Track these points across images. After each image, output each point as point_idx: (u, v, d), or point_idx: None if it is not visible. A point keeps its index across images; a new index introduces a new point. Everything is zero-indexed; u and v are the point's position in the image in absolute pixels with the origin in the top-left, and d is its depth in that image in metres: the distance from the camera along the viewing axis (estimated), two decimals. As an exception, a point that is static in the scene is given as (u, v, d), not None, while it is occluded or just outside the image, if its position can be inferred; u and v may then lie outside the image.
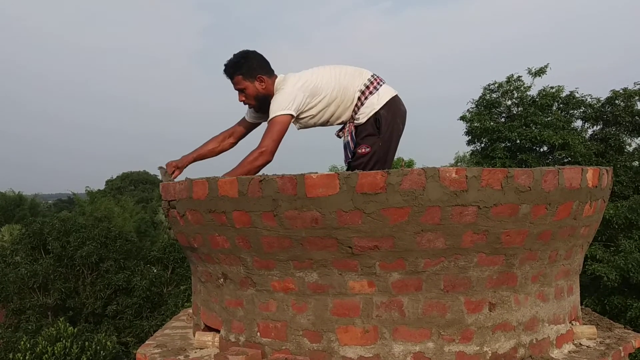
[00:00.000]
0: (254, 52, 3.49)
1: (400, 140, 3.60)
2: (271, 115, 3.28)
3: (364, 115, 3.43)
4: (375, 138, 3.42)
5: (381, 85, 3.48)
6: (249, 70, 3.40)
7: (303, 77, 3.39)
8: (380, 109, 3.42)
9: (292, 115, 3.28)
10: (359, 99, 3.44)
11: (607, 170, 2.81)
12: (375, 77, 3.51)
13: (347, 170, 3.35)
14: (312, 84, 3.36)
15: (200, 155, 3.64)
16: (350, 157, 3.51)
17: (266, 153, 3.21)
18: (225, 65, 3.46)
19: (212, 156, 3.67)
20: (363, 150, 3.41)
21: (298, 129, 3.54)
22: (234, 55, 3.47)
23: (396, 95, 3.52)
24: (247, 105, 3.55)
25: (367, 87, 3.45)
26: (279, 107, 3.26)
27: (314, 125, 3.55)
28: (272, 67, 3.51)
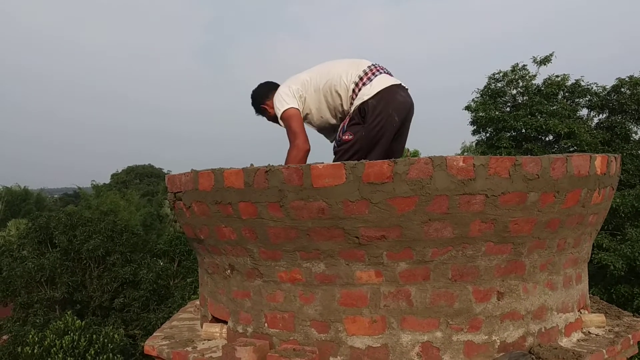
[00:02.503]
0: (255, 90, 3.84)
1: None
2: (278, 117, 3.50)
3: (354, 107, 3.42)
4: (359, 127, 3.38)
5: (376, 76, 3.42)
6: (258, 108, 3.82)
7: (292, 77, 3.59)
8: (369, 98, 3.36)
9: (292, 107, 3.43)
10: (354, 90, 3.42)
11: (615, 158, 2.79)
12: (373, 67, 3.47)
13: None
14: (301, 80, 3.52)
15: None
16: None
17: (298, 146, 3.36)
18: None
19: None
20: (346, 137, 3.41)
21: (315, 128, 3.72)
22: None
23: (394, 85, 3.42)
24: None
25: (361, 78, 3.41)
26: (278, 108, 3.49)
27: (320, 124, 3.64)
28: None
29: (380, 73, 3.46)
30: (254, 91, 3.85)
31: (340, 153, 3.38)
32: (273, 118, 3.69)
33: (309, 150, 3.38)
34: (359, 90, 3.40)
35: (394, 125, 3.42)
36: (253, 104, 3.85)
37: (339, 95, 3.46)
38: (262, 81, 3.85)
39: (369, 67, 3.46)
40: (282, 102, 3.45)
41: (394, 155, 3.51)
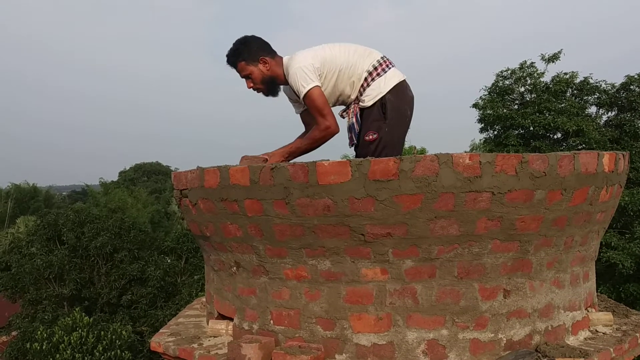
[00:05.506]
0: (253, 36, 3.45)
1: (410, 129, 3.53)
2: (302, 96, 3.26)
3: (369, 98, 3.36)
4: (381, 123, 3.34)
5: (390, 68, 3.40)
6: (250, 55, 3.36)
7: (312, 50, 3.35)
8: (387, 93, 3.33)
9: (317, 85, 3.24)
10: (366, 79, 3.36)
11: (623, 155, 2.77)
12: (385, 59, 3.42)
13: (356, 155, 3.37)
14: (321, 56, 3.30)
15: (291, 153, 3.47)
16: (355, 140, 3.45)
17: (329, 128, 3.25)
18: (226, 55, 3.43)
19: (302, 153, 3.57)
20: (370, 137, 3.34)
21: (298, 112, 3.57)
22: (233, 43, 3.43)
23: (404, 80, 3.42)
24: (256, 91, 3.48)
25: (375, 69, 3.36)
26: (302, 85, 3.23)
27: None
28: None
29: (391, 66, 3.42)
30: (251, 37, 3.44)
31: (369, 155, 3.21)
32: (259, 75, 3.38)
33: (335, 132, 3.29)
34: (372, 80, 3.35)
35: (407, 121, 3.44)
36: (245, 49, 3.37)
37: (352, 83, 3.38)
38: (248, 35, 3.46)
39: (382, 58, 3.41)
40: (306, 78, 3.22)
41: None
